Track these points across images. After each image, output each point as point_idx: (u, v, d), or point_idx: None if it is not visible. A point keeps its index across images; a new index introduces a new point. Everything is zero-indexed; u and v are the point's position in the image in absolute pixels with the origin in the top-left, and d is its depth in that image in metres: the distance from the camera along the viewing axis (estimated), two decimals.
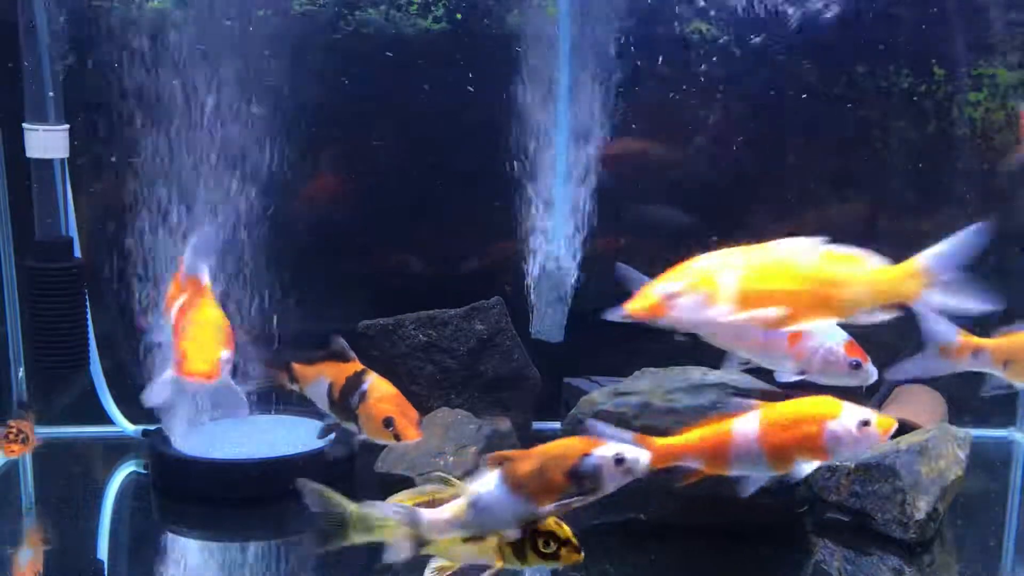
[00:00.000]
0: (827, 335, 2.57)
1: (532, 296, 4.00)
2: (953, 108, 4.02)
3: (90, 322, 3.68)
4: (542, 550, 2.33)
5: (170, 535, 3.35)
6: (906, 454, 3.21)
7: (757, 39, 3.95)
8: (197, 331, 2.92)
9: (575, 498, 2.28)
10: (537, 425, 4.01)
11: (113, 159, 3.74)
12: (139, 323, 3.59)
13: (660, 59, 3.95)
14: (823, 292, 2.31)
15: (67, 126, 3.54)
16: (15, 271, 3.88)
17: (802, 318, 2.33)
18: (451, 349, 3.89)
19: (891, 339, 2.62)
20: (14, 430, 3.45)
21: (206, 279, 3.13)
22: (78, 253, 3.66)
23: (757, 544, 3.19)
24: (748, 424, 2.48)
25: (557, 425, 3.60)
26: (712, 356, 2.66)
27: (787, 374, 2.64)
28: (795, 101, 4.00)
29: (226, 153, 3.59)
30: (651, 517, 3.25)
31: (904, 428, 3.35)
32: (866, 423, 2.42)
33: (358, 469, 3.53)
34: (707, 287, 2.31)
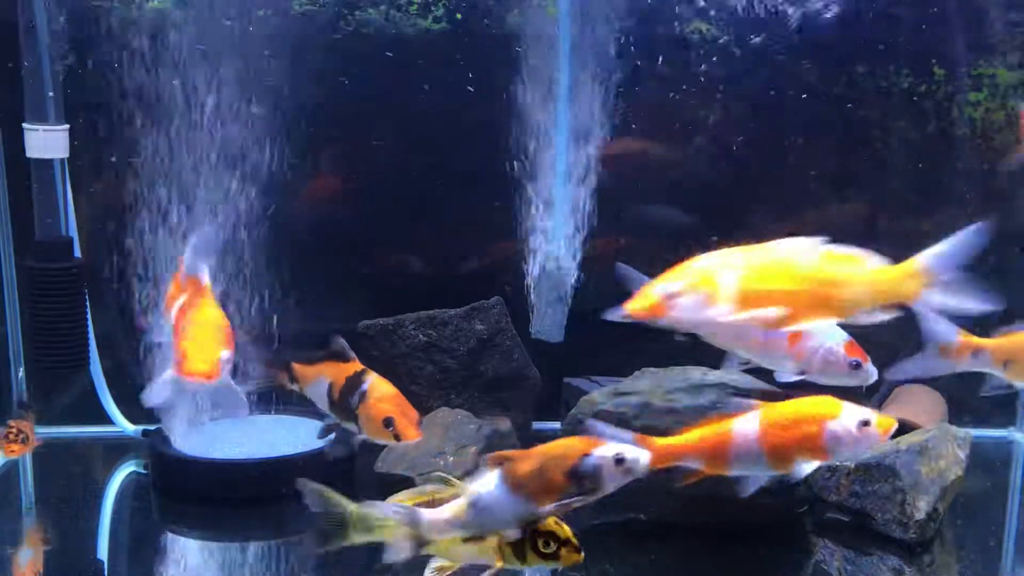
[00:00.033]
0: (827, 335, 2.57)
1: (532, 296, 4.00)
2: (953, 108, 4.02)
3: (90, 322, 3.68)
4: (542, 550, 2.33)
5: (170, 535, 3.35)
6: (906, 454, 3.21)
7: (757, 39, 3.95)
8: (197, 331, 2.91)
9: (575, 498, 2.28)
10: (537, 425, 4.01)
11: (113, 159, 3.74)
12: (139, 323, 3.59)
13: (660, 59, 3.95)
14: (823, 292, 2.31)
15: (67, 126, 3.54)
16: (15, 271, 3.88)
17: (802, 318, 2.33)
18: (451, 349, 3.89)
19: (891, 339, 2.62)
20: (14, 430, 3.45)
21: (206, 279, 3.13)
22: (78, 253, 3.66)
23: (757, 544, 3.19)
24: (748, 424, 2.48)
25: (557, 425, 3.60)
26: (712, 356, 2.66)
27: (787, 374, 2.64)
28: (795, 101, 4.00)
29: (226, 153, 3.59)
30: (651, 517, 3.25)
31: (904, 428, 3.35)
32: (866, 423, 2.42)
33: (358, 469, 3.53)
34: (707, 287, 2.31)
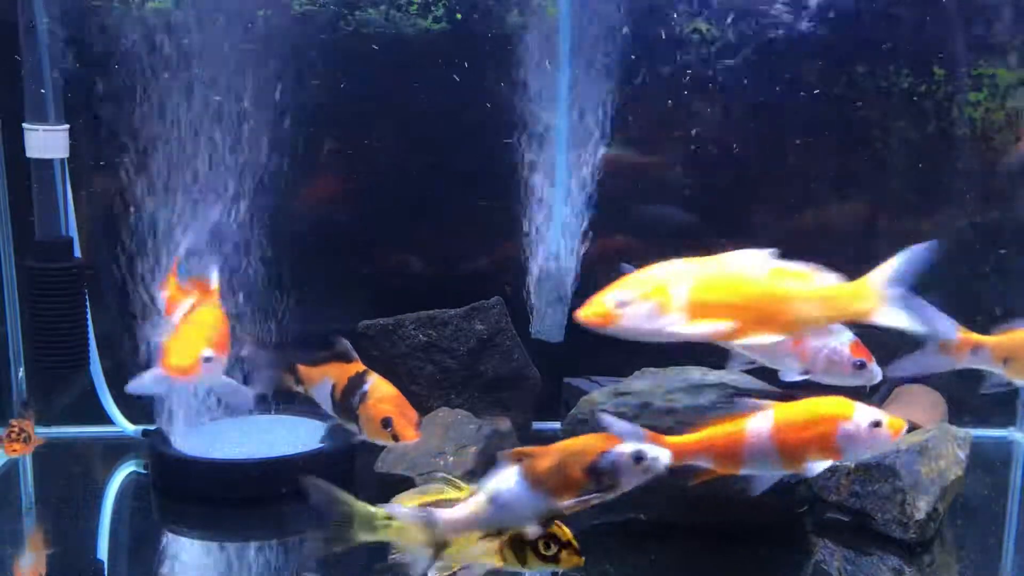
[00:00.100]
0: (832, 335, 2.57)
1: (532, 296, 4.00)
2: (953, 108, 4.02)
3: (90, 322, 3.68)
4: (543, 552, 2.33)
5: (170, 535, 3.35)
6: (906, 454, 3.21)
7: (757, 39, 3.95)
8: (185, 328, 2.93)
9: (593, 495, 2.28)
10: (537, 425, 4.01)
11: (113, 159, 3.73)
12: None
13: (660, 59, 3.95)
14: (774, 307, 2.32)
15: (67, 126, 3.54)
16: (15, 271, 3.88)
17: (751, 332, 2.34)
18: (451, 349, 3.89)
19: (891, 339, 2.61)
20: (15, 429, 3.45)
21: (215, 283, 3.14)
22: (78, 253, 3.66)
23: (757, 544, 3.19)
24: (761, 423, 2.48)
25: (557, 425, 3.60)
26: (712, 356, 2.66)
27: (791, 374, 2.64)
28: (795, 101, 4.00)
29: (226, 153, 3.59)
30: (651, 517, 3.25)
31: None
32: (878, 424, 2.43)
33: (358, 469, 3.53)
34: (659, 297, 2.31)
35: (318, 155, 3.99)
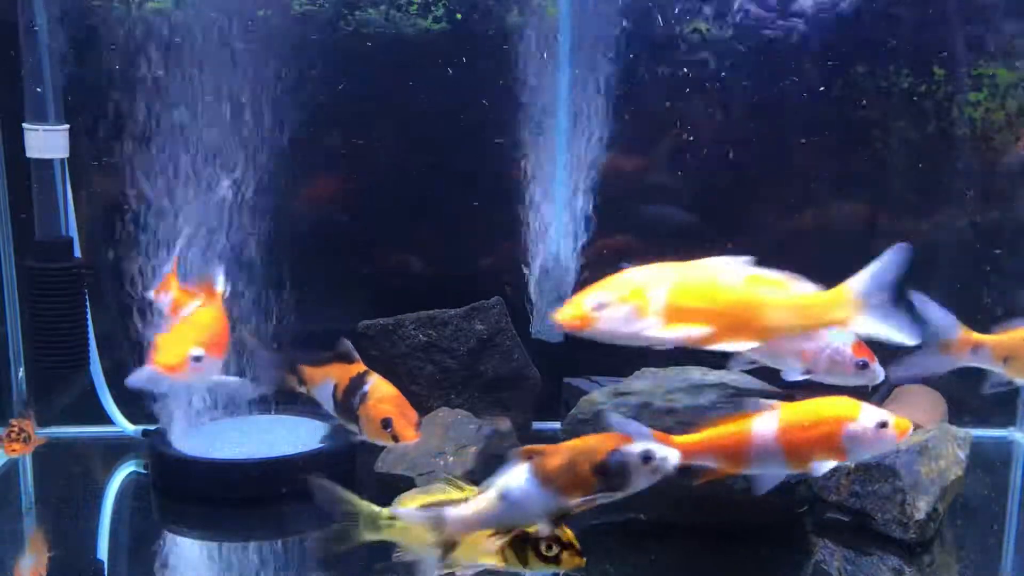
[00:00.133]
0: (834, 335, 2.58)
1: (532, 296, 4.00)
2: (953, 108, 4.02)
3: (90, 322, 3.68)
4: (544, 553, 2.33)
5: (170, 535, 3.35)
6: (906, 454, 3.21)
7: (757, 39, 3.95)
8: (179, 327, 2.94)
9: (602, 494, 2.28)
10: (537, 425, 4.01)
11: (112, 159, 3.73)
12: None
13: (660, 59, 3.95)
14: (750, 314, 2.33)
15: (67, 126, 3.54)
16: (15, 271, 3.88)
17: (727, 338, 2.35)
18: (451, 349, 3.89)
19: None
20: (15, 429, 3.45)
21: (220, 286, 3.14)
22: (78, 253, 3.66)
23: (757, 544, 3.19)
24: (767, 423, 2.48)
25: (557, 425, 3.60)
26: (713, 356, 2.65)
27: (794, 373, 2.64)
28: (795, 101, 4.00)
29: (226, 153, 3.59)
30: (651, 517, 3.25)
31: None
32: (884, 424, 2.44)
33: (358, 469, 3.53)
34: (636, 300, 2.31)
35: (318, 155, 3.98)
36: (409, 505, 2.39)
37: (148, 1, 3.64)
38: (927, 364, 2.73)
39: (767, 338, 2.38)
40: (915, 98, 4.01)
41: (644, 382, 3.35)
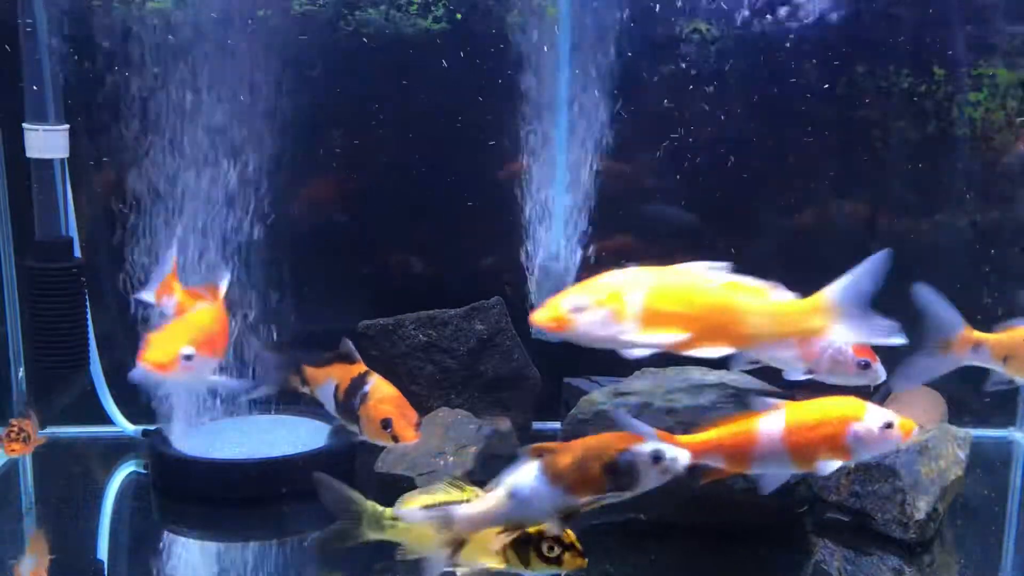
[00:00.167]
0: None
1: (532, 296, 4.00)
2: (953, 108, 4.02)
3: (90, 322, 3.68)
4: (545, 554, 2.33)
5: (170, 535, 3.35)
6: (906, 454, 3.21)
7: (757, 39, 3.95)
8: (173, 325, 2.93)
9: (611, 493, 2.28)
10: (537, 425, 4.01)
11: (112, 159, 3.74)
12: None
13: (659, 59, 3.95)
14: (727, 320, 2.33)
15: (67, 126, 3.55)
16: (15, 271, 3.88)
17: (705, 344, 2.34)
18: (451, 349, 3.89)
19: None
20: (15, 429, 3.45)
21: (223, 288, 3.13)
22: (78, 253, 3.66)
23: (757, 544, 3.19)
24: (773, 423, 2.48)
25: (557, 425, 3.60)
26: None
27: (796, 373, 2.64)
28: (794, 101, 4.00)
29: (226, 153, 3.59)
30: (651, 517, 3.25)
31: None
32: (889, 425, 2.44)
33: (358, 469, 3.53)
34: (614, 304, 2.31)
35: (318, 155, 3.98)
36: (411, 505, 2.39)
37: (148, 1, 3.64)
38: (928, 367, 2.73)
39: (743, 345, 2.37)
40: (915, 98, 4.01)
41: (644, 382, 3.35)
